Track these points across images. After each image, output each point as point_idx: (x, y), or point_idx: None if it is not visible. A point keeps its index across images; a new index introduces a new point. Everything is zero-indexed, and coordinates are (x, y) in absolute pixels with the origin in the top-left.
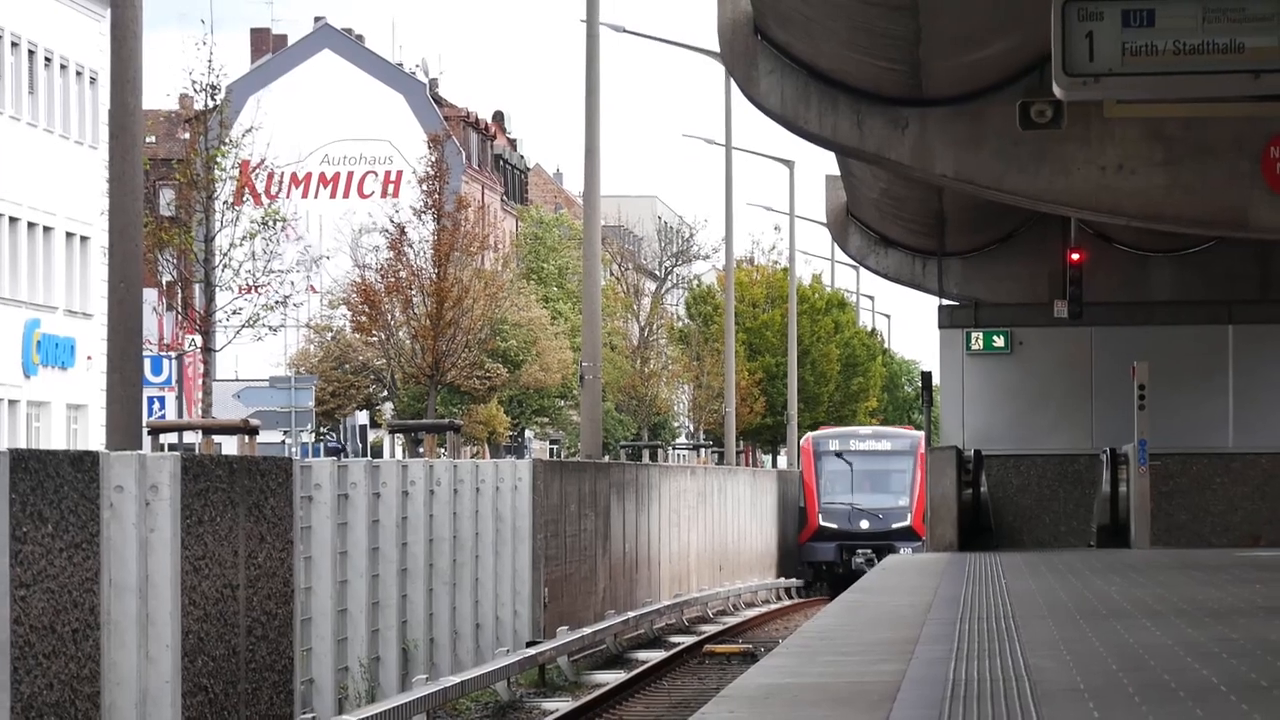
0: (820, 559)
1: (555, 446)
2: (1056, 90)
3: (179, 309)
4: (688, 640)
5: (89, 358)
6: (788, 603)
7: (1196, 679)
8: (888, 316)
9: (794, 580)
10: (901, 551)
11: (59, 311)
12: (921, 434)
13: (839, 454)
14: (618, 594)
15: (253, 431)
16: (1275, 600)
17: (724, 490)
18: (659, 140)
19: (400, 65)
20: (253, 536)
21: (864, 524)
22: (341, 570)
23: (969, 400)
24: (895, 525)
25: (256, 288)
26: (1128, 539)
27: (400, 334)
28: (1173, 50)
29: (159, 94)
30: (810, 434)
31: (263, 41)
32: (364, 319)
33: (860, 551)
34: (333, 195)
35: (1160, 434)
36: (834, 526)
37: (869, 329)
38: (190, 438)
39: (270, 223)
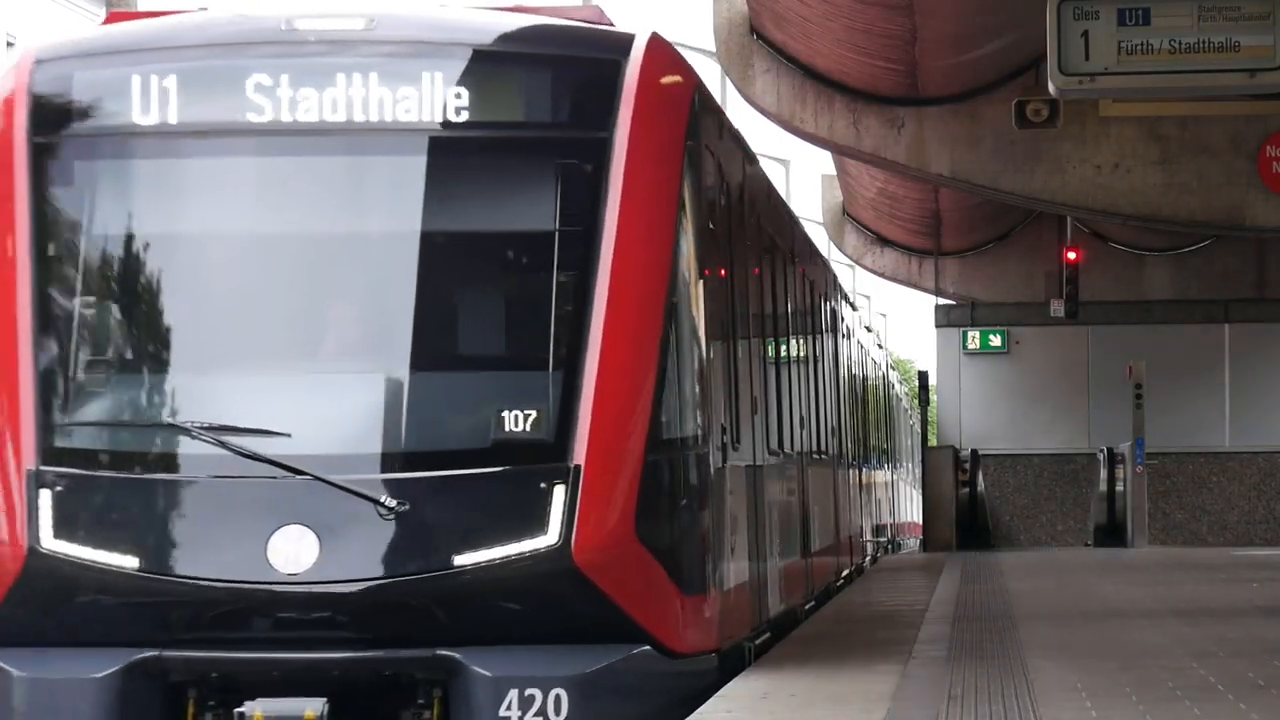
0: None
1: None
2: (1052, 89)
3: None
4: None
5: None
6: None
7: (1194, 678)
8: (884, 316)
9: None
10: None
11: None
12: (642, 44)
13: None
14: None
15: None
16: (1272, 599)
17: None
18: None
19: None
20: None
21: (287, 563)
22: None
23: (966, 399)
24: (484, 553)
25: None
26: (1125, 538)
27: None
28: (1168, 49)
29: None
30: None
31: None
32: None
33: None
34: None
35: (1157, 433)
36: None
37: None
38: None
39: None
